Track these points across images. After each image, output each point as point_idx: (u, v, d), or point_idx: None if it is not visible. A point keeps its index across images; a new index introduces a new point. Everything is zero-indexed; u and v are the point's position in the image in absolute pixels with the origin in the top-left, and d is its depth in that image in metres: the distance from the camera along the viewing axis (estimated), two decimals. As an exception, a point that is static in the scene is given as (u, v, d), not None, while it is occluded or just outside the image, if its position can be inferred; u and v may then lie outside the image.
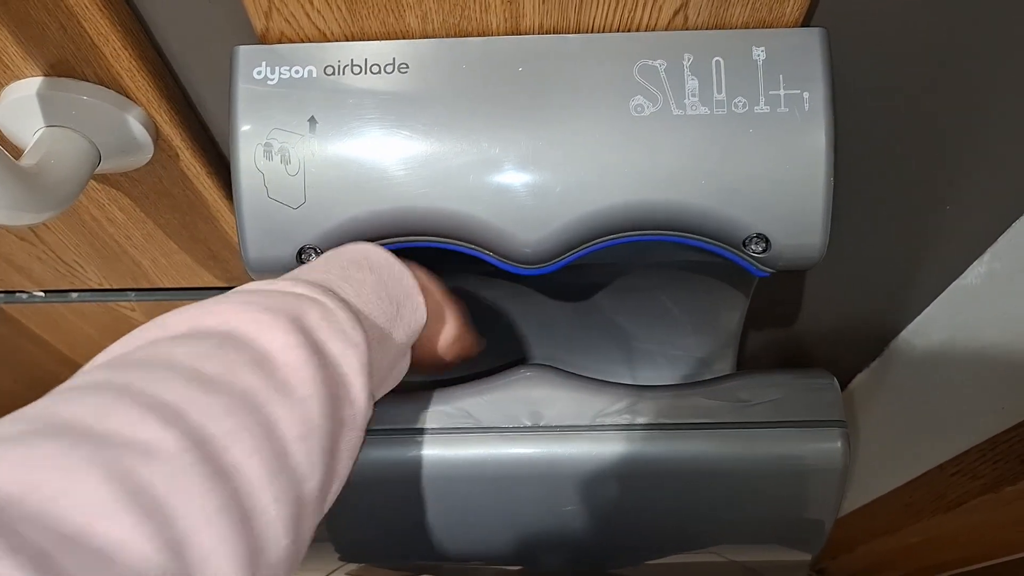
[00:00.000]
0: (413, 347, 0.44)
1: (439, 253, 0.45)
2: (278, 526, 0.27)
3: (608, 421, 0.42)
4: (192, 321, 0.32)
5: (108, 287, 0.67)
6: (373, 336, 0.37)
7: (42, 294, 0.69)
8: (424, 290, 0.42)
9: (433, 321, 0.44)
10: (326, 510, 0.34)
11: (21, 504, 0.21)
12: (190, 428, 0.26)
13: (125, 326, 0.74)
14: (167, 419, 0.26)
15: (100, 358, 0.31)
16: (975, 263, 0.62)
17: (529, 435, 0.42)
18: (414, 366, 0.45)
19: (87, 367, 0.30)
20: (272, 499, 0.27)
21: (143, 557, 0.22)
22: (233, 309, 0.33)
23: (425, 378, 0.51)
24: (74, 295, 0.69)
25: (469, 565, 0.57)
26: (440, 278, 0.46)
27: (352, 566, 0.59)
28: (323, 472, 0.31)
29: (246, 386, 0.29)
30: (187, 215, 0.56)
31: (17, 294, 0.69)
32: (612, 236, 0.43)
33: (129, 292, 0.69)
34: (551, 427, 0.42)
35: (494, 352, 0.58)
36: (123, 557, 0.22)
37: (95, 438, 0.24)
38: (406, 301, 0.41)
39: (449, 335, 0.47)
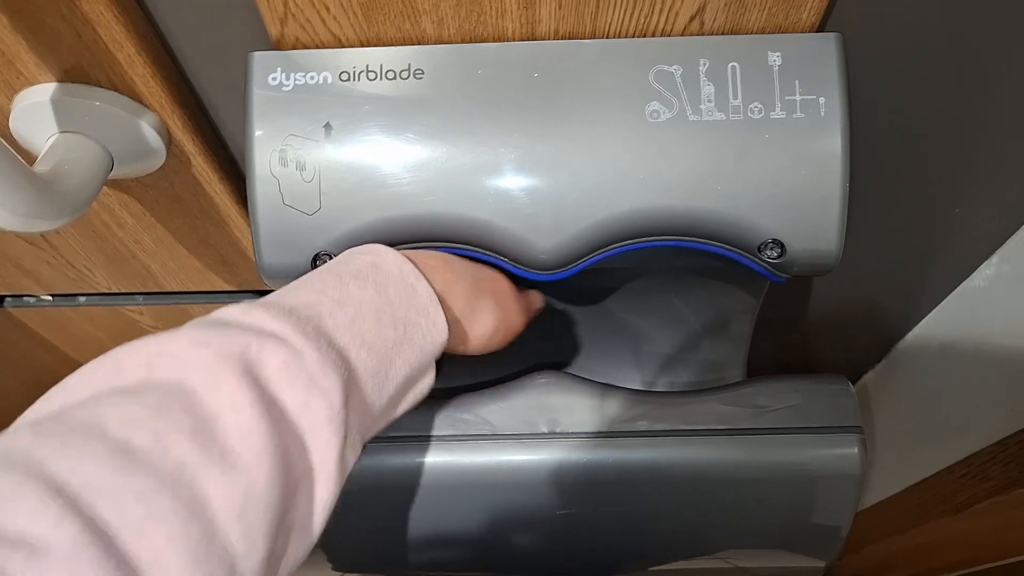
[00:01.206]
0: (452, 348, 0.42)
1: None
2: None
3: (625, 428, 0.42)
4: (146, 367, 0.30)
5: (116, 291, 0.67)
6: (366, 367, 0.36)
7: (50, 298, 0.69)
8: (446, 294, 0.41)
9: (461, 327, 0.43)
10: (285, 571, 0.32)
11: None
12: (95, 518, 0.25)
13: (133, 330, 0.74)
14: (70, 509, 0.24)
15: (40, 406, 0.30)
16: (983, 265, 0.62)
17: (546, 442, 0.42)
18: (463, 355, 0.43)
19: (23, 419, 0.29)
20: None
21: None
22: (188, 353, 0.31)
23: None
24: (82, 299, 0.69)
25: (478, 574, 0.57)
26: (468, 260, 0.44)
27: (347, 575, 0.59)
28: (267, 546, 0.29)
29: (177, 459, 0.27)
30: (198, 220, 0.56)
31: (25, 298, 0.69)
32: (628, 242, 0.43)
33: (137, 296, 0.69)
34: (568, 434, 0.42)
35: (506, 357, 0.58)
36: None
37: None
38: (418, 320, 0.39)
39: (486, 328, 0.44)
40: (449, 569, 0.51)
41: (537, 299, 0.50)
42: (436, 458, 0.43)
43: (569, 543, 0.47)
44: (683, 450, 0.42)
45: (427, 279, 0.40)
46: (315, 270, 0.40)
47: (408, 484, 0.43)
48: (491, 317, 0.44)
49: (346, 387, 0.33)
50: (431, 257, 0.42)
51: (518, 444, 0.42)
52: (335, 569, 0.52)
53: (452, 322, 0.42)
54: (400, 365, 0.38)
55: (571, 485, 0.43)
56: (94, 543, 0.24)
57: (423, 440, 0.43)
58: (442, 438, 0.43)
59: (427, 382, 0.41)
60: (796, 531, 0.46)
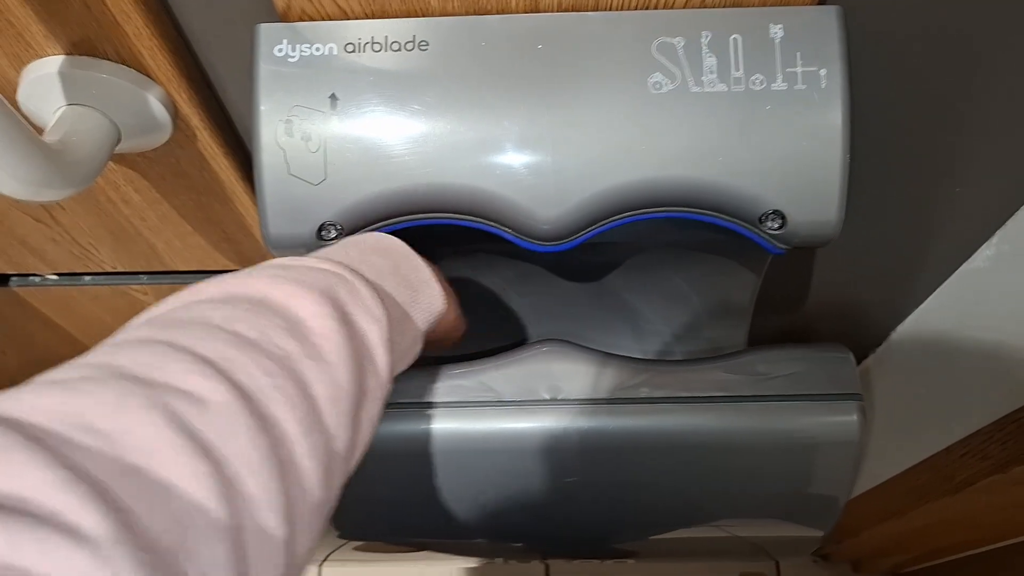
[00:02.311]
0: (432, 328, 0.44)
1: (451, 232, 0.46)
2: (312, 478, 0.29)
3: (626, 395, 0.43)
4: (226, 288, 0.33)
5: (121, 270, 0.67)
6: (393, 315, 0.38)
7: (55, 277, 0.69)
8: (438, 279, 0.44)
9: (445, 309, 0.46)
10: (350, 473, 0.35)
11: (82, 441, 0.22)
12: (234, 382, 0.27)
13: (137, 310, 0.74)
14: (212, 372, 0.27)
15: (141, 317, 0.32)
16: (984, 246, 0.62)
17: (548, 408, 0.43)
18: (431, 344, 0.45)
19: (130, 324, 0.32)
20: (306, 453, 0.28)
21: (198, 494, 0.23)
22: (264, 280, 0.34)
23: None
24: (87, 278, 0.69)
25: (479, 541, 0.57)
26: (438, 268, 0.47)
27: (356, 543, 0.59)
28: (349, 434, 0.32)
29: (280, 348, 0.30)
30: (203, 196, 0.56)
31: (30, 277, 0.70)
32: (630, 213, 0.43)
33: (142, 275, 0.69)
34: (570, 400, 0.43)
35: (506, 331, 0.58)
36: (180, 492, 0.23)
37: (149, 386, 0.25)
38: (423, 288, 0.42)
39: (450, 321, 0.48)
40: (449, 536, 0.51)
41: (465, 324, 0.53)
42: (437, 424, 0.43)
43: (568, 510, 0.48)
44: (683, 417, 0.43)
45: None
46: (326, 248, 0.42)
47: (409, 450, 0.44)
48: (455, 310, 0.47)
49: (390, 323, 0.37)
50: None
51: (520, 410, 0.43)
52: (342, 538, 0.53)
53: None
54: (410, 325, 0.40)
55: (572, 452, 0.43)
56: (241, 401, 0.27)
57: (424, 407, 0.44)
58: (443, 404, 0.43)
59: (418, 349, 0.43)
60: (795, 499, 0.46)
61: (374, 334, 0.35)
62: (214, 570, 0.23)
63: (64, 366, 0.27)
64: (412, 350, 0.43)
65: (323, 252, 0.40)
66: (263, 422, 0.27)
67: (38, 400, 0.23)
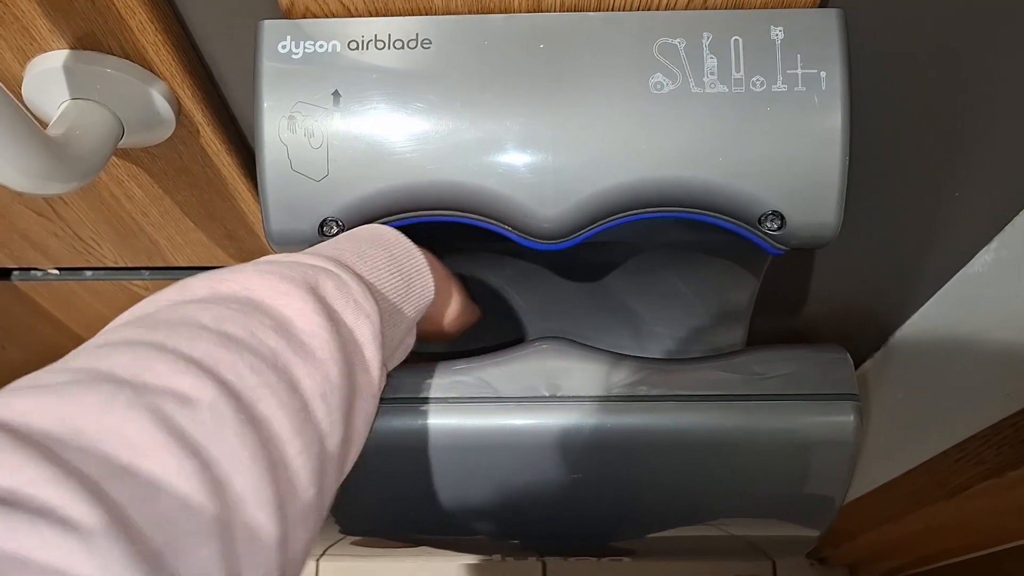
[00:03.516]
0: (420, 321, 0.45)
1: (452, 231, 0.46)
2: (303, 476, 0.29)
3: (624, 392, 0.43)
4: (212, 287, 0.33)
5: (123, 265, 0.68)
6: (384, 309, 0.38)
7: (57, 272, 0.70)
8: (431, 268, 0.44)
9: (439, 298, 0.46)
10: (346, 471, 0.35)
11: (72, 441, 0.22)
12: (221, 380, 0.27)
13: (138, 305, 0.75)
14: (199, 372, 0.27)
15: (125, 316, 0.32)
16: (982, 251, 0.62)
17: (546, 405, 0.43)
18: (420, 338, 0.46)
19: (114, 324, 0.31)
20: (297, 451, 0.28)
21: (187, 493, 0.23)
22: (251, 278, 0.34)
23: (435, 349, 0.52)
24: (88, 273, 0.70)
25: (477, 538, 0.57)
26: (440, 260, 0.47)
27: (353, 538, 0.59)
28: (342, 431, 0.32)
29: (269, 347, 0.30)
30: (205, 192, 0.56)
31: (32, 271, 0.70)
32: (630, 212, 0.44)
33: (143, 271, 0.69)
34: (568, 397, 0.43)
35: (505, 330, 0.58)
36: (169, 491, 0.23)
37: (135, 387, 0.25)
38: (416, 278, 0.42)
39: (454, 310, 0.48)
40: (447, 533, 0.51)
41: (478, 312, 0.53)
42: (436, 420, 0.43)
43: (565, 507, 0.48)
44: (681, 415, 0.43)
45: None
46: (323, 242, 0.42)
47: (407, 446, 0.44)
48: (457, 299, 0.48)
49: (381, 318, 0.37)
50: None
51: (518, 407, 0.43)
52: (341, 533, 0.53)
53: (435, 290, 0.44)
54: (404, 313, 0.41)
55: (570, 449, 0.43)
56: (229, 400, 0.27)
57: (423, 403, 0.44)
58: (442, 400, 0.43)
59: (411, 340, 0.44)
60: (791, 499, 0.46)
61: (364, 330, 0.35)
62: (204, 568, 0.23)
63: (49, 370, 0.26)
64: (405, 342, 0.43)
65: (317, 247, 0.40)
66: (252, 421, 0.27)
67: (24, 405, 0.23)
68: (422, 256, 0.43)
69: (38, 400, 0.24)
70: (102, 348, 0.28)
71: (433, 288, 0.43)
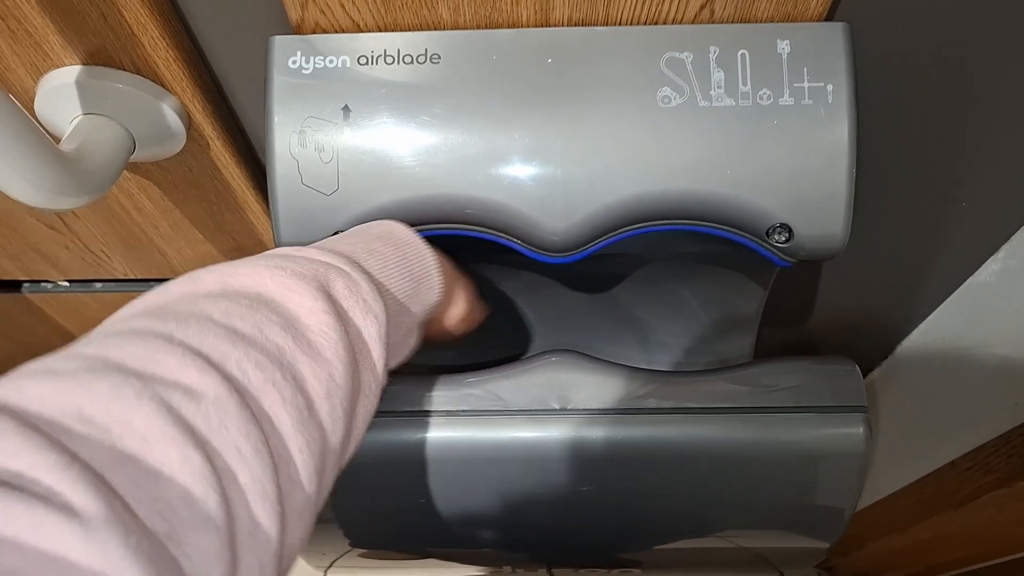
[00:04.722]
0: (431, 320, 0.45)
1: (461, 244, 0.46)
2: (304, 473, 0.29)
3: (634, 405, 0.43)
4: (224, 280, 0.33)
5: (132, 277, 0.68)
6: (391, 309, 0.39)
7: (67, 283, 0.70)
8: (441, 270, 0.44)
9: (446, 299, 0.46)
10: (342, 466, 0.35)
11: (77, 429, 0.23)
12: (228, 376, 0.27)
13: (147, 317, 0.75)
14: (206, 366, 0.27)
15: (136, 305, 0.32)
16: (989, 260, 0.62)
17: (557, 418, 0.43)
18: (425, 338, 0.46)
19: (124, 312, 0.32)
20: (299, 448, 0.29)
21: (190, 484, 0.24)
22: (263, 271, 0.34)
23: (443, 355, 0.52)
24: (98, 285, 0.70)
25: (485, 551, 0.57)
26: (452, 259, 0.47)
27: (361, 551, 0.60)
28: (344, 429, 0.32)
29: (276, 344, 0.30)
30: (214, 204, 0.57)
31: (42, 283, 0.70)
32: (638, 225, 0.44)
33: (153, 282, 0.70)
34: (579, 410, 0.43)
35: (513, 341, 0.59)
36: (172, 481, 0.23)
37: (144, 378, 0.25)
38: (424, 279, 0.42)
39: (459, 312, 0.48)
40: (456, 545, 0.51)
41: (486, 310, 0.53)
42: (446, 433, 0.44)
43: (575, 519, 0.48)
44: (690, 427, 0.43)
45: None
46: (333, 236, 0.42)
47: (417, 459, 0.44)
48: (463, 299, 0.48)
49: (388, 318, 0.37)
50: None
51: (529, 420, 0.43)
52: (350, 545, 0.53)
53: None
54: (407, 317, 0.41)
55: (580, 462, 0.44)
56: (234, 395, 0.27)
57: (433, 415, 0.44)
58: (453, 413, 0.44)
59: (414, 340, 0.44)
60: (800, 511, 0.46)
61: (371, 330, 0.35)
62: (205, 557, 0.23)
63: (60, 355, 0.27)
64: (407, 342, 0.43)
65: (329, 241, 0.40)
66: (256, 416, 0.27)
67: (34, 389, 0.24)
68: (433, 257, 0.43)
69: (49, 385, 0.24)
70: (113, 337, 0.28)
71: (441, 290, 0.43)
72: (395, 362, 0.43)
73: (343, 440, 0.33)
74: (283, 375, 0.29)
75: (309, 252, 0.37)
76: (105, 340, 0.28)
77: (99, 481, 0.21)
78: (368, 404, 0.36)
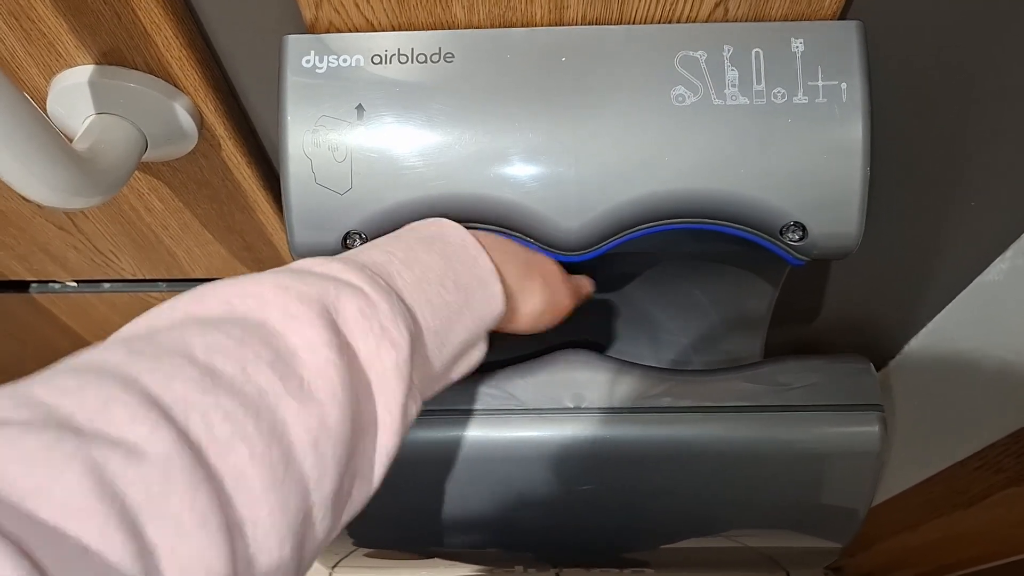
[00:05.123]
0: (502, 323, 0.43)
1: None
2: (272, 536, 0.27)
3: (648, 404, 0.43)
4: (229, 302, 0.31)
5: (140, 277, 0.68)
6: (429, 326, 0.37)
7: (75, 284, 0.70)
8: (499, 270, 0.41)
9: (513, 303, 0.43)
10: (347, 516, 0.33)
11: (1, 494, 0.21)
12: (186, 431, 0.25)
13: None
14: (160, 420, 0.25)
15: (128, 329, 0.31)
16: (999, 259, 0.62)
17: (571, 417, 0.43)
18: (510, 332, 0.44)
19: (114, 337, 0.30)
20: (269, 510, 0.27)
21: (113, 561, 0.22)
22: (268, 291, 0.32)
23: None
24: (106, 285, 0.70)
25: (494, 550, 0.57)
26: (513, 242, 0.45)
27: (367, 550, 0.59)
28: (336, 480, 0.30)
29: (259, 386, 0.28)
30: (225, 205, 0.57)
31: (50, 284, 0.70)
32: (652, 223, 0.44)
33: (161, 283, 0.70)
34: (593, 409, 0.43)
35: (525, 339, 0.58)
36: (95, 558, 0.22)
37: (84, 435, 0.24)
38: (479, 289, 0.40)
39: (535, 307, 0.45)
40: (465, 545, 0.51)
41: (587, 284, 0.50)
42: (460, 432, 0.44)
43: (587, 518, 0.48)
44: (705, 426, 0.43)
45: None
46: (380, 237, 0.40)
47: (430, 457, 0.44)
48: (539, 297, 0.45)
49: (412, 341, 0.34)
50: (485, 236, 0.43)
51: (543, 419, 0.43)
52: (355, 545, 0.53)
53: (506, 297, 0.42)
54: (459, 330, 0.39)
55: (594, 460, 0.44)
56: (185, 453, 0.25)
57: (447, 414, 0.44)
58: (467, 412, 0.44)
59: (480, 351, 0.42)
60: (815, 510, 0.46)
61: (387, 360, 0.33)
62: None
63: (12, 400, 0.25)
64: (469, 355, 0.41)
65: (365, 248, 0.38)
66: (214, 475, 0.25)
67: None
68: (488, 262, 0.40)
69: None
70: (81, 375, 0.26)
71: (502, 299, 0.41)
72: (454, 377, 0.41)
73: (336, 490, 0.30)
74: (257, 425, 0.27)
75: (330, 267, 0.35)
76: (72, 379, 0.26)
77: (22, 551, 0.20)
78: (386, 439, 0.33)
